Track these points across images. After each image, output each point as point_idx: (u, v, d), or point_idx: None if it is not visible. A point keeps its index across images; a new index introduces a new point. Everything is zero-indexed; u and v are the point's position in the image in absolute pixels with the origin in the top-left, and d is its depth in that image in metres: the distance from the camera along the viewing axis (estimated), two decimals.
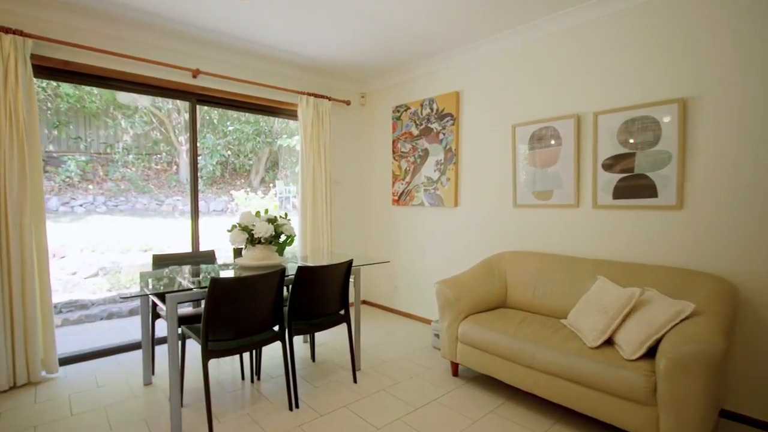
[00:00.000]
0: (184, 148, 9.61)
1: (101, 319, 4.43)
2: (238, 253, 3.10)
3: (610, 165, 2.71)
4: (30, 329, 2.64)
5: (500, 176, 3.35)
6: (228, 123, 9.82)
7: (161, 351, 3.18)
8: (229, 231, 2.61)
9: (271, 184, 10.29)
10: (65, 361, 2.97)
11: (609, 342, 2.15)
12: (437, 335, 3.25)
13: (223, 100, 3.66)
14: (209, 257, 3.02)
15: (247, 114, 10.17)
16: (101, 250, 6.93)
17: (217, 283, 1.99)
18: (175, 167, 9.73)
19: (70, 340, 3.79)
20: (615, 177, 2.69)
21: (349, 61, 3.81)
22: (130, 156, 8.85)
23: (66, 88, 7.68)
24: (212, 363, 2.99)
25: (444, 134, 3.73)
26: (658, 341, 1.93)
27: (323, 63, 3.87)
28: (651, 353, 1.97)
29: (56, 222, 6.94)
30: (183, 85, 3.37)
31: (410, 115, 4.06)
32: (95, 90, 8.07)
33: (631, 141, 2.61)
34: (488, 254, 3.43)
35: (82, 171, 8.09)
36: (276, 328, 2.36)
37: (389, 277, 4.40)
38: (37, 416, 2.27)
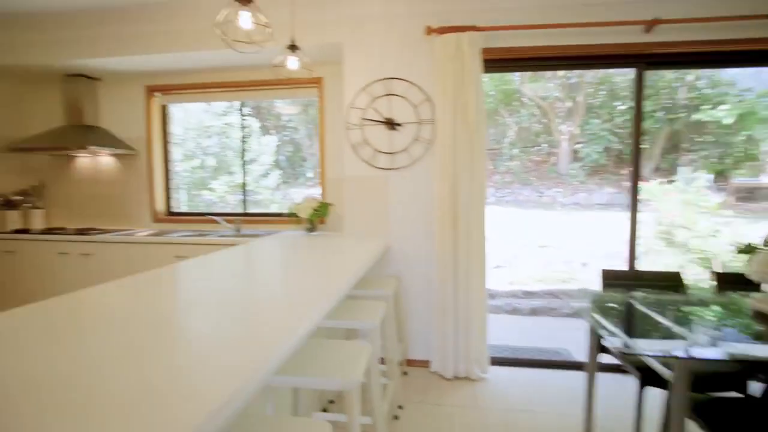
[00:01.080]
0: (565, 137, 9.11)
1: (505, 312, 4.48)
2: (722, 278, 2.00)
3: None
4: (471, 320, 2.66)
5: None
6: (617, 102, 8.45)
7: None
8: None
9: (675, 171, 8.05)
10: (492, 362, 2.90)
11: None
12: None
13: (683, 57, 2.59)
14: (675, 281, 2.10)
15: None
16: (498, 241, 7.40)
17: None
18: (553, 159, 9.41)
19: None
20: None
21: None
22: (515, 150, 9.22)
23: None
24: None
25: None
26: None
27: None
28: None
29: None
30: (628, 47, 2.57)
31: None
32: (491, 91, 8.81)
33: None
34: None
35: None
36: None
37: None
38: (478, 426, 2.15)
